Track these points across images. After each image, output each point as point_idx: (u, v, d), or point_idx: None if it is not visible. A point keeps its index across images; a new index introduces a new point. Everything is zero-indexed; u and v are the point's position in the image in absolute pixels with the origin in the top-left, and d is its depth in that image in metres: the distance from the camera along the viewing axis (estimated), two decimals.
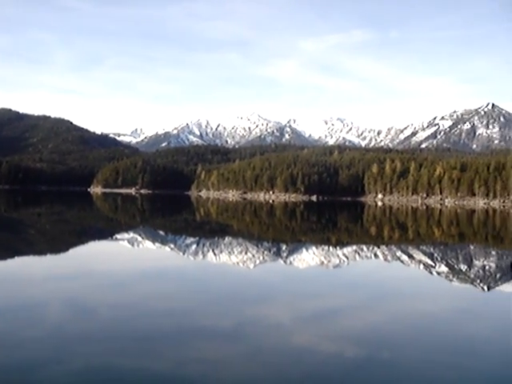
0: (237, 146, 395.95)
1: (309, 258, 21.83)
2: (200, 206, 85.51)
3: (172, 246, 25.63)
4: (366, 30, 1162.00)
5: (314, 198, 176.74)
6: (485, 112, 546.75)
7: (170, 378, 7.53)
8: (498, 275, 18.53)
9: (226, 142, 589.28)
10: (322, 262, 20.32)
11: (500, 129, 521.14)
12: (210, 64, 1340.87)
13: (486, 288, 15.69)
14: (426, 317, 11.67)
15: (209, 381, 7.45)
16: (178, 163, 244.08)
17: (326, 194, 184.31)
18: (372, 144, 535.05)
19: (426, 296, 14.35)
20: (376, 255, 23.40)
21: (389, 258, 22.62)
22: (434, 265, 20.48)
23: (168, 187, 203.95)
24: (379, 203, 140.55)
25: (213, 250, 23.26)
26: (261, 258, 21.51)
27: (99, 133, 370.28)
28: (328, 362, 8.36)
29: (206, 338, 9.41)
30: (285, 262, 20.47)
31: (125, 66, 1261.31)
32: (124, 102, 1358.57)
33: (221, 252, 22.62)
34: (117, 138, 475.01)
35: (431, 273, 18.52)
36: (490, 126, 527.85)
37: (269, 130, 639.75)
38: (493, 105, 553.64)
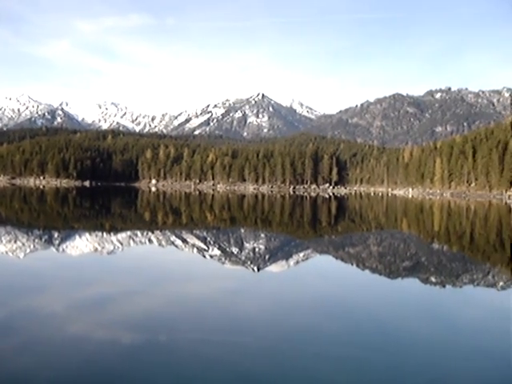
0: (5, 129, 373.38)
1: (82, 244, 21.26)
2: None
3: None
4: (143, 15, 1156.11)
5: (86, 183, 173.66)
6: (255, 101, 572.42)
7: None
8: (266, 256, 19.49)
9: None
10: (96, 249, 19.92)
11: (269, 118, 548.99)
12: None
13: (256, 269, 16.43)
14: (201, 299, 11.92)
15: None
16: None
17: (99, 179, 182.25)
18: (146, 129, 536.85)
19: (200, 279, 14.66)
20: (150, 240, 23.45)
21: (163, 242, 22.79)
22: (207, 248, 21.01)
23: None
24: (153, 188, 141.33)
25: None
26: (31, 246, 20.50)
27: None
28: (104, 350, 8.21)
29: None
30: (57, 250, 19.73)
31: None
32: None
33: None
34: None
35: (204, 256, 18.97)
36: (260, 115, 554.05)
37: (40, 113, 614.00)
38: (263, 95, 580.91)
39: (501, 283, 14.87)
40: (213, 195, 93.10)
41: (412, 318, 10.80)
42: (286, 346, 8.49)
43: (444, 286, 14.23)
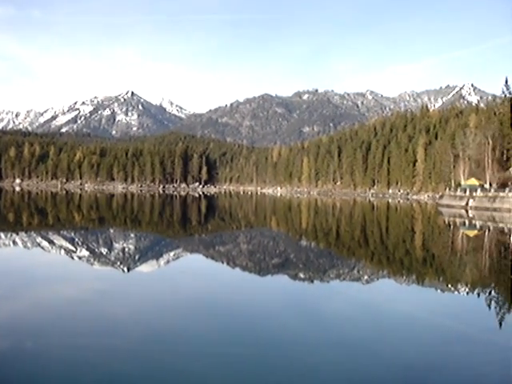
0: None
1: None
2: None
3: None
4: (6, 5, 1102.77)
5: None
6: (124, 99, 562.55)
7: None
8: (136, 256, 19.26)
9: None
10: None
11: (138, 116, 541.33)
12: None
13: (126, 269, 16.19)
14: (69, 301, 11.60)
15: None
16: None
17: None
18: (10, 126, 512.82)
19: (67, 281, 14.25)
20: (15, 242, 22.52)
21: (28, 244, 21.93)
22: (75, 249, 20.46)
23: None
24: (17, 188, 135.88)
25: None
26: None
27: None
28: None
29: None
30: None
31: None
32: None
33: None
34: None
35: (72, 257, 18.47)
36: (130, 114, 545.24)
37: None
38: (132, 93, 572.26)
39: (365, 277, 15.53)
40: (80, 195, 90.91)
41: (281, 313, 11.05)
42: (156, 347, 8.42)
43: (312, 282, 14.67)
